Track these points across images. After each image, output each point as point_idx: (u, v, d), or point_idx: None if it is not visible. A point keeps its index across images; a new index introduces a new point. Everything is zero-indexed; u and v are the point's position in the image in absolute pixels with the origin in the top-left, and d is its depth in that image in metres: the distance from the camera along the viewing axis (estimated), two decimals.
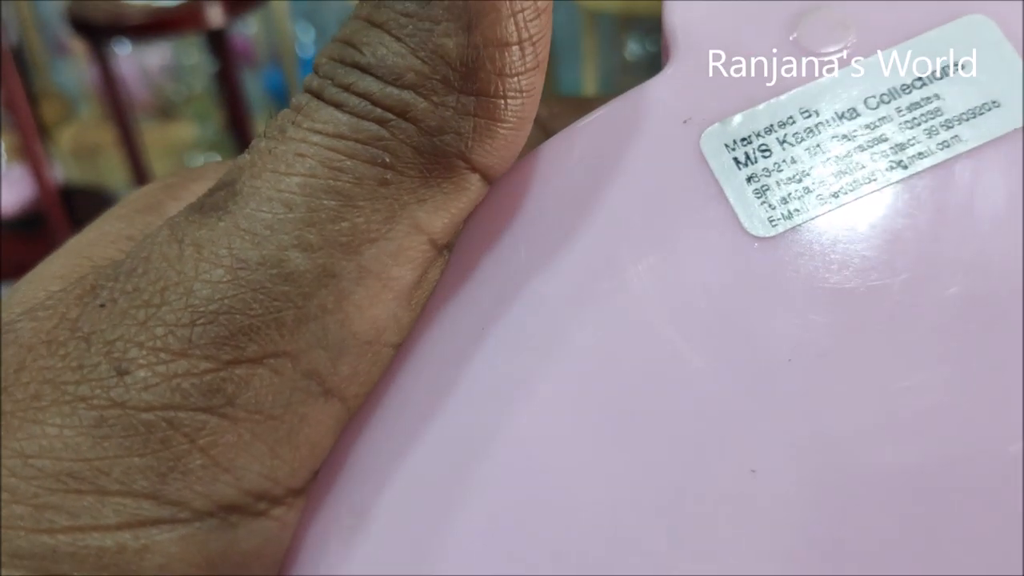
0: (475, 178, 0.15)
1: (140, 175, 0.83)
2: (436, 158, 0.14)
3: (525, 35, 0.14)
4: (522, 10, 0.14)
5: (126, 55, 0.98)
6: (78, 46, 1.00)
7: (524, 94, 0.14)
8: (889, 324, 0.14)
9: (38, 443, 0.13)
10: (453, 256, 0.16)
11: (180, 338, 0.13)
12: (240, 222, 0.14)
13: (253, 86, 1.03)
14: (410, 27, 0.14)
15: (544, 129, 0.19)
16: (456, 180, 0.15)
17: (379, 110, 0.14)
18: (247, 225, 0.14)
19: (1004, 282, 0.14)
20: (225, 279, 0.13)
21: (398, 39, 0.14)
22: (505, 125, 0.14)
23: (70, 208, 0.90)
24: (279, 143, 0.14)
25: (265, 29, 1.07)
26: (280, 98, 1.06)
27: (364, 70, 0.14)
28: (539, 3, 0.14)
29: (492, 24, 0.14)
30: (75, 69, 1.10)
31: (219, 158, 0.99)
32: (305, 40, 1.12)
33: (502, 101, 0.14)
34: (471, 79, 0.14)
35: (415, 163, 0.14)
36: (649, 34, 0.95)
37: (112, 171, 0.98)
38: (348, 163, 0.14)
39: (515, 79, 0.14)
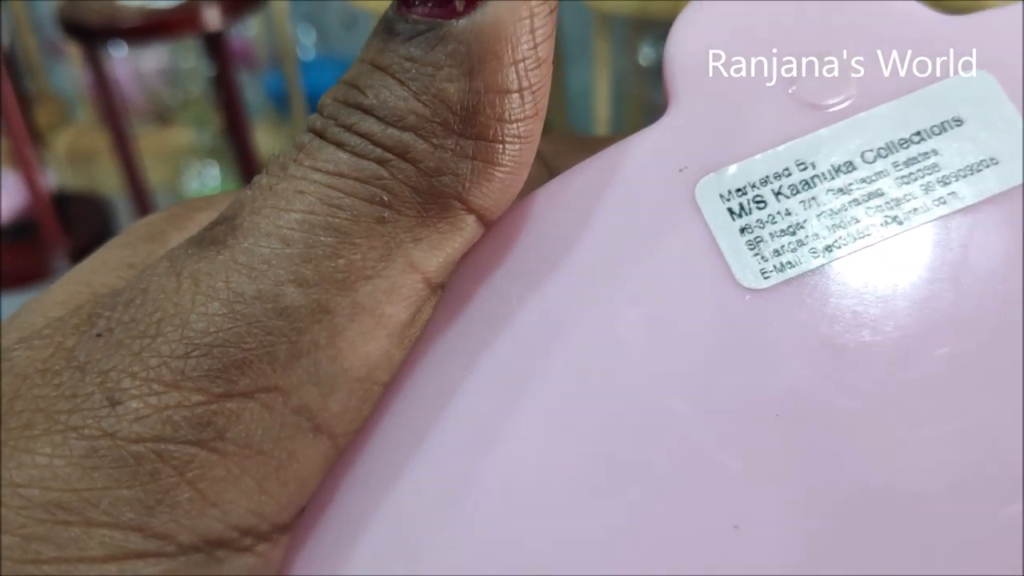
0: (471, 219, 0.16)
1: (134, 181, 0.84)
2: (433, 198, 0.15)
3: (526, 83, 0.15)
4: (523, 59, 0.15)
5: (122, 58, 0.99)
6: (74, 49, 1.01)
7: (522, 140, 0.15)
8: (879, 383, 0.15)
9: (28, 472, 0.14)
10: (445, 295, 0.17)
11: (173, 370, 0.14)
12: (238, 256, 0.14)
13: (253, 90, 1.04)
14: (413, 71, 0.15)
15: (548, 167, 0.20)
16: (452, 220, 0.15)
17: (379, 150, 0.15)
18: (245, 259, 0.14)
19: (996, 343, 0.15)
20: (221, 312, 0.14)
21: (401, 83, 0.15)
22: (502, 169, 0.15)
23: (63, 215, 0.91)
24: (280, 180, 0.15)
25: (265, 31, 1.07)
26: (280, 102, 1.06)
27: (367, 111, 0.15)
28: (540, 54, 0.15)
29: (493, 71, 0.15)
30: (72, 72, 1.11)
31: (216, 165, 1.00)
32: (306, 42, 1.12)
33: (500, 146, 0.15)
34: (471, 123, 0.15)
35: (412, 202, 0.15)
36: (664, 38, 0.95)
37: (108, 177, 0.98)
38: (347, 200, 0.15)
39: (514, 125, 0.15)
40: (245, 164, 0.84)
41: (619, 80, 0.93)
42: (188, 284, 0.14)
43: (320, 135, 0.15)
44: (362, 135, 0.15)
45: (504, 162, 0.15)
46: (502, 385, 0.16)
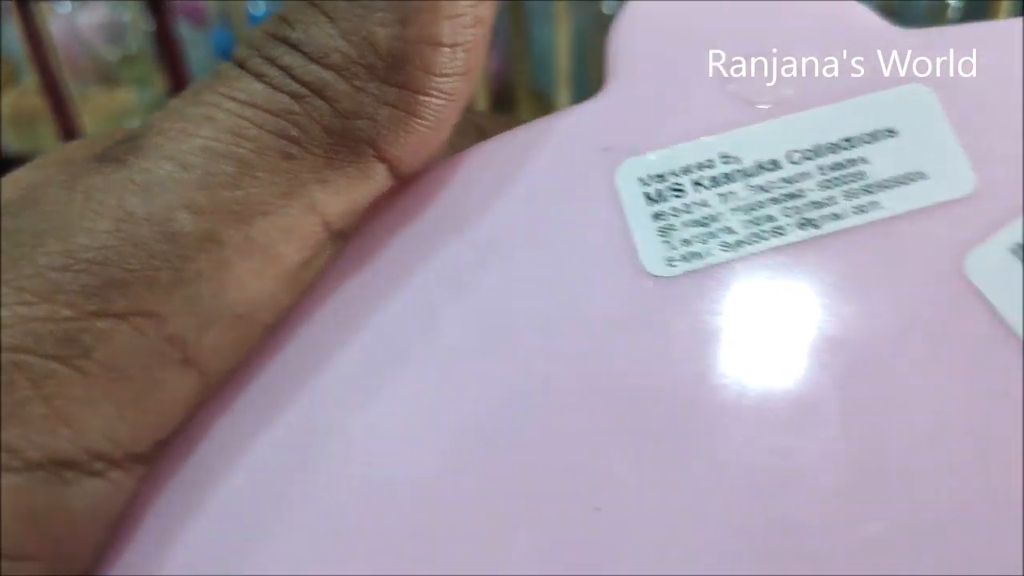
0: (381, 168, 0.15)
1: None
2: (345, 140, 0.15)
3: (459, 40, 0.15)
4: (460, 15, 0.15)
5: (64, 15, 0.97)
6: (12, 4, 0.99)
7: (447, 95, 0.15)
8: (767, 383, 0.15)
9: None
10: (348, 247, 0.16)
11: (48, 281, 0.14)
12: (135, 176, 0.14)
13: (201, 47, 1.02)
14: (345, 11, 0.15)
15: None
16: (361, 167, 0.15)
17: (296, 84, 0.15)
18: (141, 179, 0.14)
19: (894, 360, 0.15)
20: (107, 229, 0.14)
21: (332, 20, 0.15)
22: (422, 122, 0.15)
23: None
24: (191, 105, 0.15)
25: None
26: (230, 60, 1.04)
27: (292, 45, 0.15)
28: (479, 13, 0.15)
29: (427, 22, 0.15)
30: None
31: None
32: None
33: (423, 97, 0.15)
34: (396, 71, 0.15)
35: (322, 142, 0.15)
36: None
37: (52, 140, 0.96)
38: (254, 131, 0.14)
39: (440, 79, 0.15)
40: None
41: (582, 32, 0.91)
42: (80, 198, 0.14)
43: (241, 65, 0.15)
44: (282, 68, 0.15)
45: (425, 115, 0.15)
46: (390, 345, 0.16)
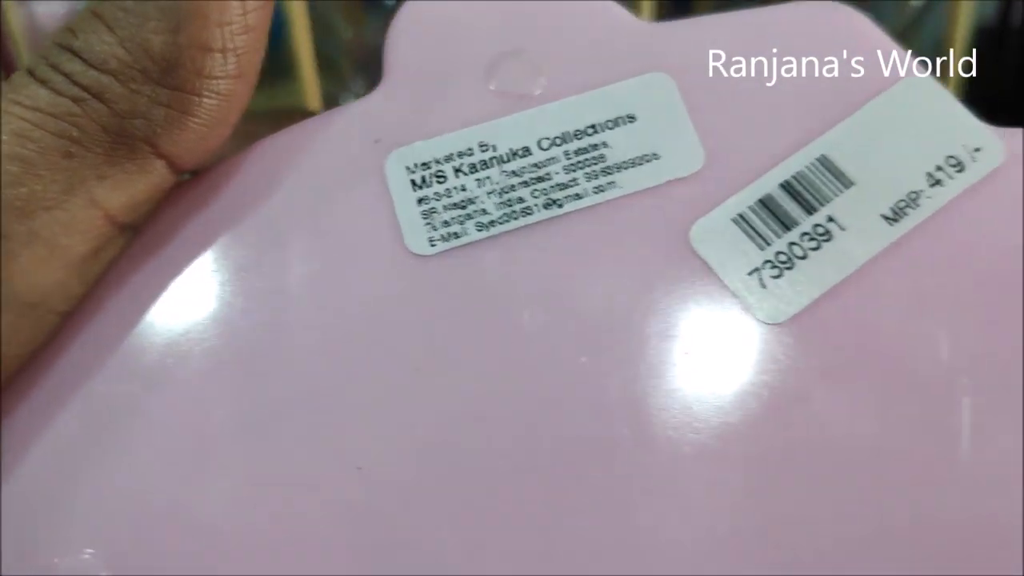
0: (160, 164, 0.17)
1: None
2: (122, 139, 0.16)
3: (230, 45, 0.16)
4: (229, 23, 0.16)
5: (26, 5, 0.98)
6: None
7: (221, 97, 0.17)
8: (516, 349, 0.17)
9: None
10: (142, 240, 0.18)
11: None
12: None
13: None
14: (123, 20, 0.16)
15: None
16: (140, 163, 0.17)
17: (77, 89, 0.16)
18: None
19: (619, 336, 0.17)
20: None
21: (110, 29, 0.16)
22: (196, 120, 0.17)
23: None
24: None
25: None
26: None
27: (74, 53, 0.16)
28: (248, 21, 0.17)
29: (198, 29, 0.16)
30: None
31: None
32: None
33: (196, 98, 0.17)
34: (170, 74, 0.16)
35: (101, 141, 0.16)
36: None
37: None
38: (37, 133, 0.16)
39: (213, 81, 0.17)
40: None
41: None
42: None
43: (30, 73, 0.17)
44: (65, 74, 0.16)
45: (199, 114, 0.17)
46: (178, 330, 0.17)
